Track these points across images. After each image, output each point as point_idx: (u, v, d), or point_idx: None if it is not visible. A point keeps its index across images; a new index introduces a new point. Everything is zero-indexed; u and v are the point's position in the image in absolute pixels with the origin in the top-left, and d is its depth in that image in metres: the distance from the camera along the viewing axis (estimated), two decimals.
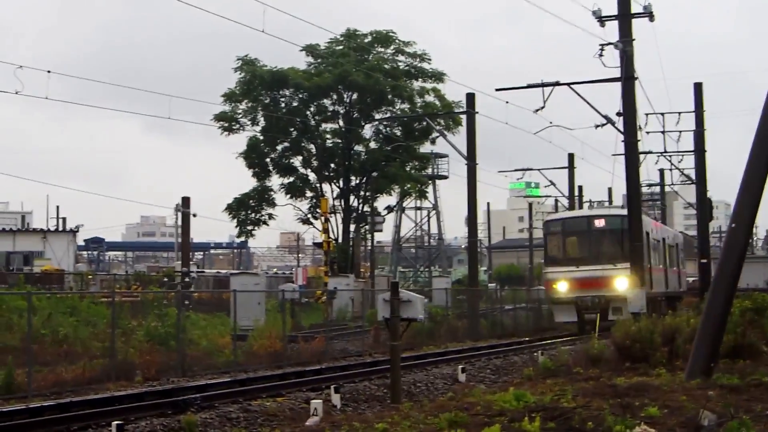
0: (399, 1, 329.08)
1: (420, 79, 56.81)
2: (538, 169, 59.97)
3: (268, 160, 56.61)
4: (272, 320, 31.08)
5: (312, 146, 57.07)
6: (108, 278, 59.95)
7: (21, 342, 23.65)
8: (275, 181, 57.03)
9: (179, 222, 53.43)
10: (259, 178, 56.84)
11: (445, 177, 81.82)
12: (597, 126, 33.16)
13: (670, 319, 21.33)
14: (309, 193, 56.88)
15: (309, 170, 57.26)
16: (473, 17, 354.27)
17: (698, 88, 45.03)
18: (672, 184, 59.26)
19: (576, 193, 61.20)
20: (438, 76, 56.34)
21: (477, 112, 40.37)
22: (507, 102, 37.84)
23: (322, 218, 45.69)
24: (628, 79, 30.67)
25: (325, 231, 44.31)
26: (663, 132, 47.76)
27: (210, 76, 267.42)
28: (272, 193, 56.92)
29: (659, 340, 19.52)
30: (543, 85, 33.23)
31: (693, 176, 49.78)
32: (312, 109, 56.54)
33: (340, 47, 56.74)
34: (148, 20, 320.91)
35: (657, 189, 68.77)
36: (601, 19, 30.65)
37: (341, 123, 56.98)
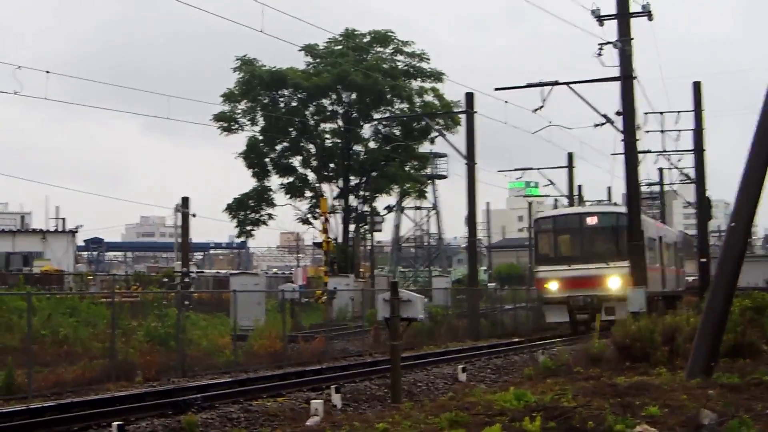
0: (398, 1, 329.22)
1: (419, 79, 56.84)
2: (538, 169, 60.04)
3: (267, 160, 56.62)
4: (272, 320, 31.09)
5: (311, 146, 57.09)
6: (108, 278, 59.95)
7: (21, 342, 23.66)
8: (275, 181, 57.13)
9: (179, 222, 53.46)
10: (259, 178, 56.86)
11: (445, 177, 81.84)
12: (596, 125, 33.15)
13: (671, 319, 21.33)
14: (308, 193, 56.92)
15: (308, 170, 57.32)
16: (472, 17, 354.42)
17: (697, 87, 45.04)
18: (671, 183, 59.43)
19: (575, 192, 61.20)
20: (437, 76, 56.37)
21: (476, 112, 40.41)
22: (506, 101, 37.91)
23: (322, 218, 45.70)
24: (627, 78, 30.67)
25: (325, 231, 44.32)
26: (662, 131, 47.87)
27: (209, 76, 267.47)
28: (272, 193, 57.00)
29: (659, 340, 19.52)
30: (542, 84, 33.24)
31: (692, 175, 49.81)
32: (311, 109, 56.55)
33: (339, 47, 56.75)
34: (146, 20, 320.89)
35: (656, 188, 68.82)
36: (600, 19, 30.64)
37: (340, 123, 57.01)
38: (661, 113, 47.12)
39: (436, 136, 54.21)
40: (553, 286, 36.28)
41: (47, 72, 29.25)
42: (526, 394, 13.51)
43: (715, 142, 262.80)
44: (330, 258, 46.46)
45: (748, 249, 27.06)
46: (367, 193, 57.86)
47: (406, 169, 57.99)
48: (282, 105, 55.90)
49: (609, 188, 67.09)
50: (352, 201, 57.57)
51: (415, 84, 56.76)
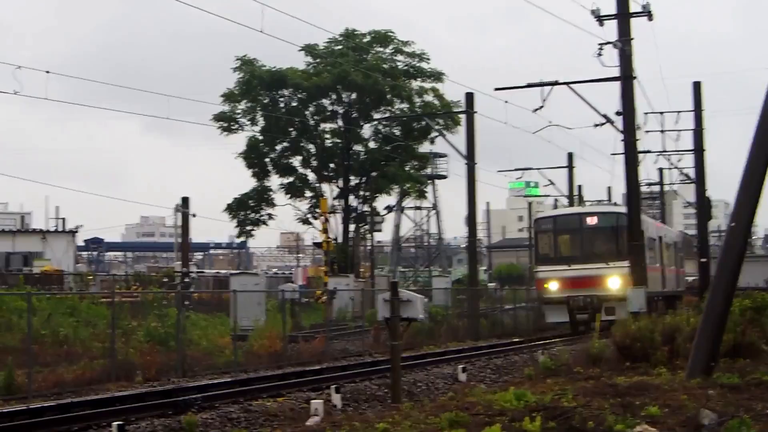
0: (398, 1, 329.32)
1: (419, 79, 56.79)
2: (538, 169, 59.99)
3: (267, 160, 56.59)
4: (272, 320, 31.10)
5: (311, 146, 57.06)
6: (108, 278, 59.98)
7: (21, 343, 23.69)
8: (275, 181, 57.08)
9: (179, 222, 53.45)
10: (259, 178, 56.84)
11: (445, 177, 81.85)
12: (596, 125, 33.12)
13: (671, 319, 21.35)
14: (308, 193, 56.87)
15: (308, 170, 57.27)
16: (472, 17, 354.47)
17: (697, 87, 45.03)
18: (671, 183, 59.42)
19: (575, 192, 61.20)
20: (437, 76, 56.34)
21: (476, 112, 40.38)
22: (506, 101, 37.80)
23: (322, 218, 45.73)
24: (627, 78, 30.66)
25: (325, 231, 44.35)
26: (662, 131, 47.85)
27: (209, 76, 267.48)
28: (272, 193, 56.95)
29: (659, 340, 19.52)
30: (542, 84, 33.22)
31: (692, 175, 49.80)
32: (311, 109, 56.52)
33: (339, 47, 56.74)
34: (147, 20, 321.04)
35: (656, 188, 68.80)
36: (600, 19, 30.63)
37: (340, 123, 56.99)
38: (661, 113, 47.12)
39: (436, 136, 54.25)
40: (553, 286, 36.16)
41: (47, 72, 29.28)
42: (526, 394, 13.51)
43: (716, 142, 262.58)
44: (330, 258, 46.49)
45: (748, 249, 27.07)
46: (367, 193, 57.85)
47: (406, 169, 57.97)
48: (282, 105, 55.88)
49: (609, 188, 67.12)
50: (352, 201, 57.56)
51: (415, 84, 56.76)
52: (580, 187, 64.37)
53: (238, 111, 55.81)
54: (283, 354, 26.88)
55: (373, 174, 56.63)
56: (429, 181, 76.09)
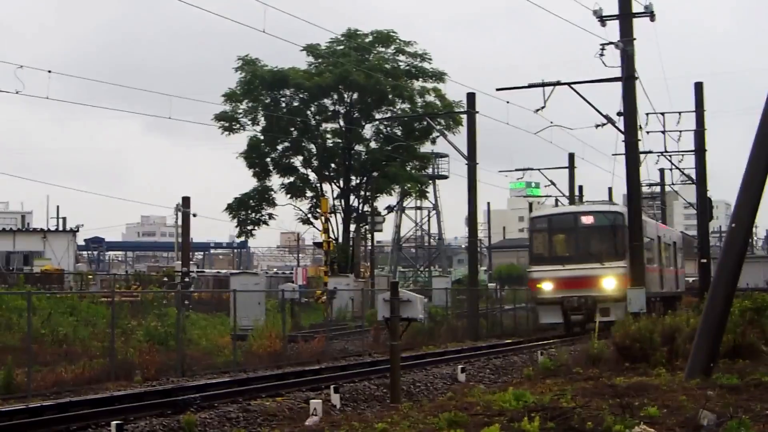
0: (399, 0, 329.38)
1: (420, 79, 56.80)
2: (539, 169, 59.97)
3: (268, 159, 56.60)
4: (272, 320, 31.08)
5: (312, 146, 57.07)
6: (108, 278, 59.99)
7: (21, 342, 23.69)
8: (275, 180, 57.09)
9: (179, 222, 53.49)
10: (260, 178, 56.85)
11: (446, 177, 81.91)
12: (597, 126, 33.09)
13: (670, 319, 21.34)
14: (309, 193, 56.90)
15: (309, 170, 57.29)
16: (473, 17, 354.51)
17: (699, 87, 45.00)
18: (672, 183, 59.30)
19: (576, 192, 61.16)
20: (438, 76, 56.33)
21: (477, 112, 40.32)
22: (508, 102, 37.74)
23: (323, 218, 45.77)
24: (628, 78, 30.64)
25: (326, 231, 44.36)
26: (663, 132, 47.73)
27: (211, 76, 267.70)
28: (272, 192, 56.95)
29: (659, 340, 19.52)
30: (543, 84, 33.20)
31: (693, 176, 49.75)
32: (312, 108, 56.53)
33: (341, 47, 56.73)
34: (148, 20, 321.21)
35: (657, 189, 68.76)
36: (602, 19, 30.61)
37: (342, 123, 56.98)
38: (663, 114, 47.04)
39: (438, 137, 54.23)
40: (547, 287, 35.58)
41: (49, 72, 29.28)
42: (525, 395, 13.51)
43: (717, 143, 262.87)
44: (330, 258, 46.48)
45: (749, 250, 27.14)
46: (367, 193, 57.86)
47: (407, 169, 57.97)
48: (283, 105, 55.88)
49: (610, 189, 66.99)
50: (353, 201, 57.59)
51: (417, 84, 56.77)
52: (581, 187, 64.38)
53: (240, 111, 55.86)
54: (283, 354, 26.86)
55: (374, 174, 56.64)
56: (430, 182, 76.13)
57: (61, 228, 74.35)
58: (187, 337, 26.73)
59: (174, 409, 16.55)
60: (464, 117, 44.54)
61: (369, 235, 63.94)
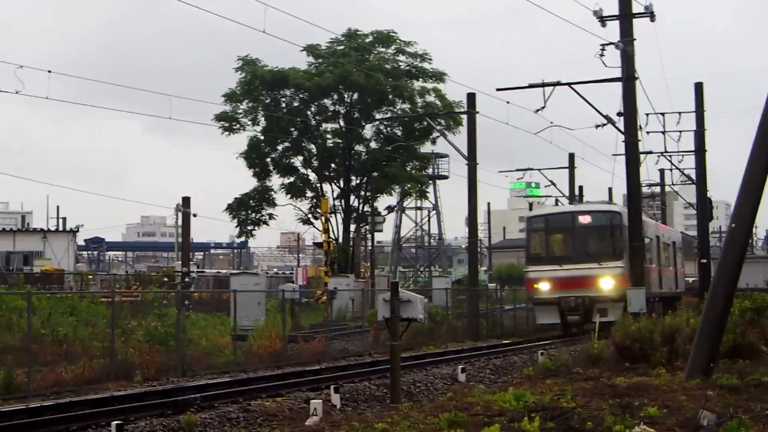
0: (399, 0, 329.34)
1: (421, 79, 56.78)
2: (539, 169, 59.92)
3: (268, 160, 56.60)
4: (272, 320, 31.08)
5: (312, 146, 57.06)
6: (108, 278, 60.00)
7: (21, 342, 23.69)
8: (276, 181, 57.09)
9: (179, 222, 53.47)
10: (260, 178, 56.84)
11: (446, 177, 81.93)
12: (597, 126, 33.08)
13: (670, 319, 21.35)
14: (309, 193, 56.89)
15: (309, 170, 57.27)
16: (473, 17, 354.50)
17: (699, 88, 45.01)
18: (672, 184, 59.31)
19: (576, 192, 61.16)
20: (439, 76, 56.32)
21: (477, 112, 40.31)
22: (508, 102, 37.73)
23: (323, 218, 45.75)
24: (628, 79, 30.64)
25: (326, 231, 44.35)
26: (663, 132, 47.75)
27: (211, 76, 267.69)
28: (272, 193, 56.95)
29: (659, 340, 19.54)
30: (544, 85, 33.19)
31: (693, 176, 49.76)
32: (313, 109, 56.53)
33: (341, 47, 56.73)
34: (148, 20, 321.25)
35: (657, 189, 68.75)
36: (602, 19, 30.62)
37: (342, 123, 56.97)
38: (663, 114, 47.05)
39: (438, 137, 54.21)
40: (543, 287, 35.28)
41: (49, 72, 29.28)
42: (525, 395, 13.52)
43: (717, 143, 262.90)
44: (330, 258, 46.48)
45: (749, 250, 27.15)
46: (368, 194, 57.86)
47: (408, 169, 57.97)
48: (283, 105, 55.88)
49: (610, 189, 67.00)
50: (353, 201, 57.58)
51: (417, 84, 56.76)
52: (581, 187, 64.35)
53: (240, 111, 55.85)
54: (283, 354, 26.86)
55: (374, 174, 56.63)
56: (430, 182, 76.12)
57: (61, 228, 74.36)
58: (188, 338, 26.72)
59: (174, 410, 16.55)
60: (464, 117, 44.55)
61: (369, 236, 63.93)
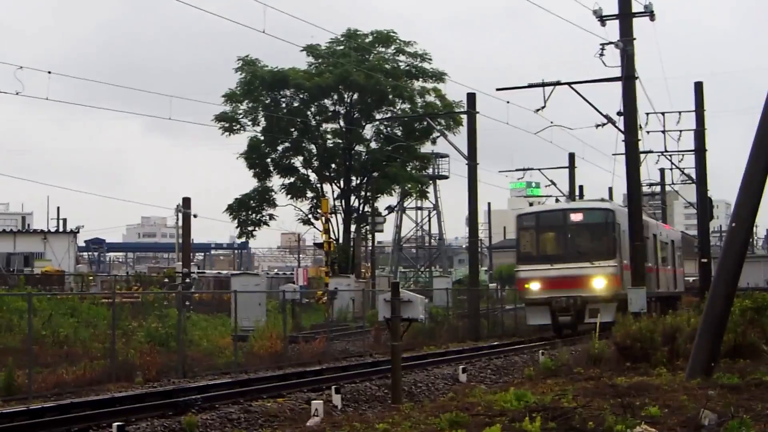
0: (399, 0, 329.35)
1: (421, 79, 56.74)
2: (539, 169, 59.85)
3: (268, 160, 56.57)
4: (273, 321, 31.10)
5: (313, 146, 57.03)
6: (108, 279, 59.99)
7: (21, 343, 23.69)
8: (276, 181, 57.03)
9: (180, 223, 53.43)
10: (260, 179, 56.81)
11: (446, 177, 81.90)
12: (598, 126, 33.08)
13: (671, 319, 21.35)
14: (310, 194, 56.84)
15: (310, 170, 57.23)
16: (473, 16, 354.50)
17: (699, 87, 45.02)
18: (672, 183, 59.33)
19: (577, 192, 61.15)
20: (439, 76, 56.29)
21: (478, 112, 40.33)
22: (508, 102, 37.72)
23: (323, 218, 45.72)
24: (628, 78, 30.65)
25: (326, 231, 44.35)
26: (663, 131, 47.78)
27: (211, 76, 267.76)
28: (273, 193, 56.90)
29: (660, 340, 19.54)
30: (544, 84, 33.19)
31: (693, 176, 49.78)
32: (313, 109, 56.51)
33: (341, 47, 56.71)
34: (148, 20, 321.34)
35: (657, 188, 68.76)
36: (602, 19, 30.63)
37: (342, 123, 56.95)
38: (663, 113, 47.07)
39: (438, 137, 54.18)
40: (534, 287, 34.61)
41: (49, 72, 29.31)
42: (526, 395, 13.52)
43: (717, 143, 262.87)
44: (331, 258, 46.46)
45: (749, 249, 27.17)
46: (368, 194, 57.84)
47: (408, 169, 57.94)
48: (283, 105, 55.85)
49: (610, 188, 67.03)
50: (354, 201, 57.56)
51: (417, 84, 56.71)
52: (581, 187, 64.36)
53: (240, 111, 55.83)
54: (284, 354, 26.86)
55: (375, 174, 56.61)
56: (430, 182, 76.11)
57: (61, 229, 74.33)
58: (188, 338, 26.72)
59: (175, 411, 16.56)
60: (464, 117, 44.55)
61: (369, 236, 63.88)
